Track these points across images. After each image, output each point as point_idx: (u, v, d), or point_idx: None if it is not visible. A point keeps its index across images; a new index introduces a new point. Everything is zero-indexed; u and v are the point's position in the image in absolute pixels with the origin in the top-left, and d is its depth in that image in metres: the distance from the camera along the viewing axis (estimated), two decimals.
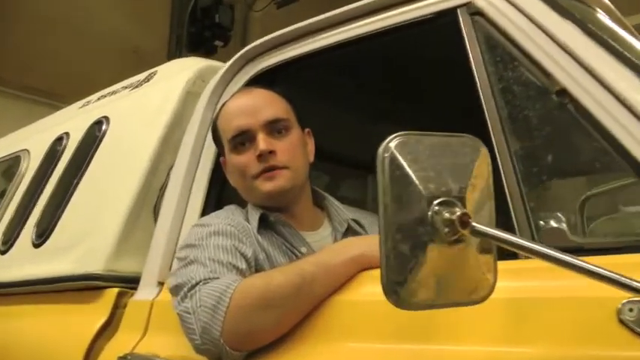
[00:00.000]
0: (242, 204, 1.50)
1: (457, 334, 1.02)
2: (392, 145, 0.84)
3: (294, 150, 1.45)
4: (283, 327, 1.15)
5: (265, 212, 1.43)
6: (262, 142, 1.40)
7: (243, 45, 1.93)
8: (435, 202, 0.85)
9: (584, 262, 0.78)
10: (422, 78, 1.81)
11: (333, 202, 1.56)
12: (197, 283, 1.19)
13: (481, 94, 1.18)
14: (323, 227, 1.51)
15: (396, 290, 0.82)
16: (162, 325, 1.42)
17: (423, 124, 2.24)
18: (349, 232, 1.50)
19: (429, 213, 0.85)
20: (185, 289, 1.20)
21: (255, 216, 1.43)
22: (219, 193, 1.60)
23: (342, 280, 1.16)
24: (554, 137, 1.09)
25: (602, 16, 1.32)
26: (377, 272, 1.17)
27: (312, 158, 1.52)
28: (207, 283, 1.19)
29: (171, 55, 5.01)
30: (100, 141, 1.92)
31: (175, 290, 1.25)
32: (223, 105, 1.53)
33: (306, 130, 1.53)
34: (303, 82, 1.69)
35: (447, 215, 0.85)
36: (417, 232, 0.84)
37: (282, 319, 1.15)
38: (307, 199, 1.52)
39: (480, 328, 0.98)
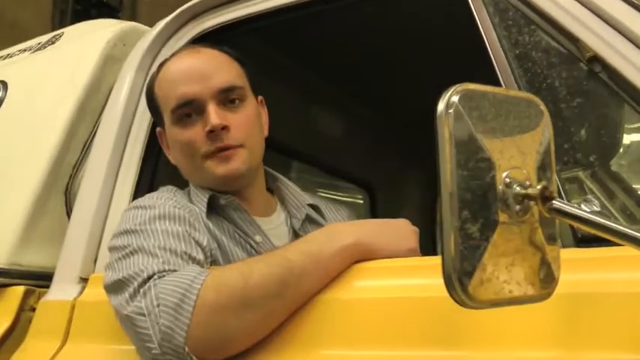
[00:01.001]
0: (179, 185, 1.26)
1: (482, 336, 0.85)
2: (455, 98, 0.66)
3: (251, 124, 1.23)
4: (262, 331, 0.93)
5: (215, 194, 1.20)
6: (214, 115, 1.16)
7: None
8: (505, 172, 0.68)
9: None
10: (402, 50, 1.63)
11: (287, 184, 1.35)
12: (150, 277, 0.95)
13: (495, 65, 1.02)
14: (276, 213, 1.30)
15: (464, 283, 0.64)
16: (89, 331, 1.16)
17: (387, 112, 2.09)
18: (307, 219, 1.30)
19: (500, 186, 0.67)
20: (135, 284, 0.95)
21: (202, 199, 1.19)
22: (154, 170, 1.35)
23: (333, 275, 0.95)
24: (585, 109, 0.95)
25: None
26: (372, 264, 1.00)
27: (267, 132, 1.30)
28: (164, 276, 0.94)
29: None
30: None
31: (117, 286, 1.00)
32: (163, 65, 1.27)
33: (259, 98, 1.31)
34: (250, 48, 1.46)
35: (518, 189, 0.68)
36: (488, 210, 0.66)
37: (262, 322, 0.93)
38: (261, 181, 1.31)
39: (524, 329, 0.81)
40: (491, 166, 0.67)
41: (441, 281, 0.90)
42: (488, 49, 1.04)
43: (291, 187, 1.34)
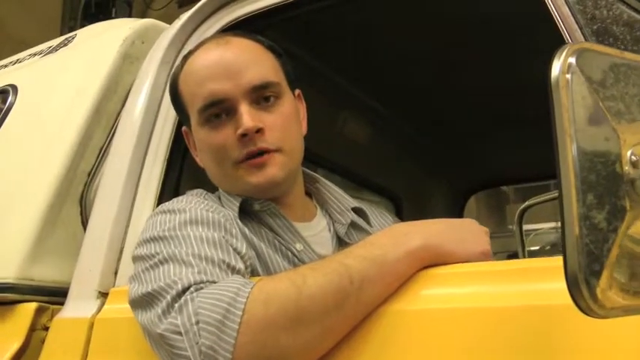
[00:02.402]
0: (208, 189, 1.14)
1: (576, 352, 0.72)
2: (572, 60, 0.54)
3: (287, 125, 1.10)
4: (319, 349, 0.80)
5: (248, 198, 1.08)
6: (246, 117, 1.03)
7: None
8: (630, 149, 0.56)
9: None
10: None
11: (328, 186, 1.22)
12: (185, 290, 0.82)
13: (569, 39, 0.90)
14: (317, 218, 1.17)
15: (591, 284, 0.52)
16: (110, 351, 1.03)
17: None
18: (351, 225, 1.17)
19: (626, 166, 0.55)
20: (167, 297, 0.83)
21: (233, 203, 1.07)
22: (179, 173, 1.23)
23: (399, 282, 0.82)
24: None
25: None
26: (443, 270, 0.87)
27: (305, 129, 1.18)
28: (202, 288, 0.82)
29: None
30: (6, 114, 1.49)
31: (146, 301, 0.87)
32: (188, 57, 1.15)
33: (297, 91, 1.18)
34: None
35: None
36: (615, 194, 0.54)
37: (319, 339, 0.79)
38: (300, 185, 1.18)
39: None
40: (616, 141, 0.55)
41: (523, 288, 0.79)
42: (561, 26, 0.92)
43: (332, 190, 1.21)
